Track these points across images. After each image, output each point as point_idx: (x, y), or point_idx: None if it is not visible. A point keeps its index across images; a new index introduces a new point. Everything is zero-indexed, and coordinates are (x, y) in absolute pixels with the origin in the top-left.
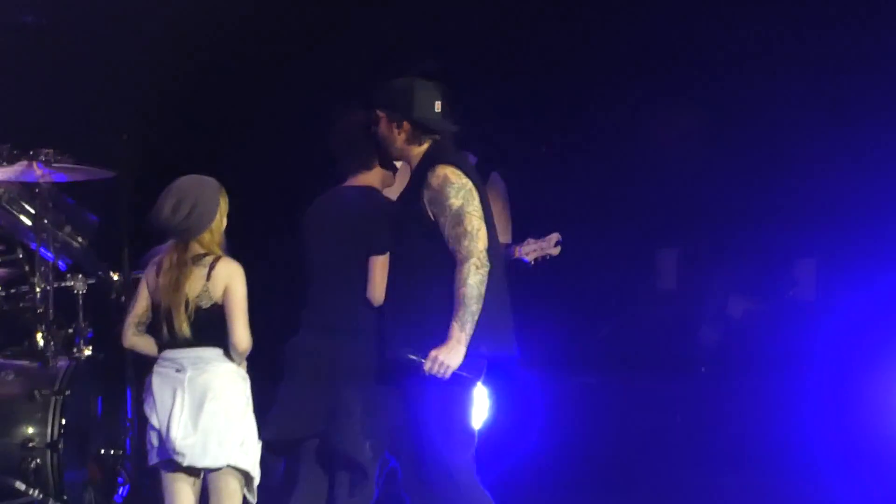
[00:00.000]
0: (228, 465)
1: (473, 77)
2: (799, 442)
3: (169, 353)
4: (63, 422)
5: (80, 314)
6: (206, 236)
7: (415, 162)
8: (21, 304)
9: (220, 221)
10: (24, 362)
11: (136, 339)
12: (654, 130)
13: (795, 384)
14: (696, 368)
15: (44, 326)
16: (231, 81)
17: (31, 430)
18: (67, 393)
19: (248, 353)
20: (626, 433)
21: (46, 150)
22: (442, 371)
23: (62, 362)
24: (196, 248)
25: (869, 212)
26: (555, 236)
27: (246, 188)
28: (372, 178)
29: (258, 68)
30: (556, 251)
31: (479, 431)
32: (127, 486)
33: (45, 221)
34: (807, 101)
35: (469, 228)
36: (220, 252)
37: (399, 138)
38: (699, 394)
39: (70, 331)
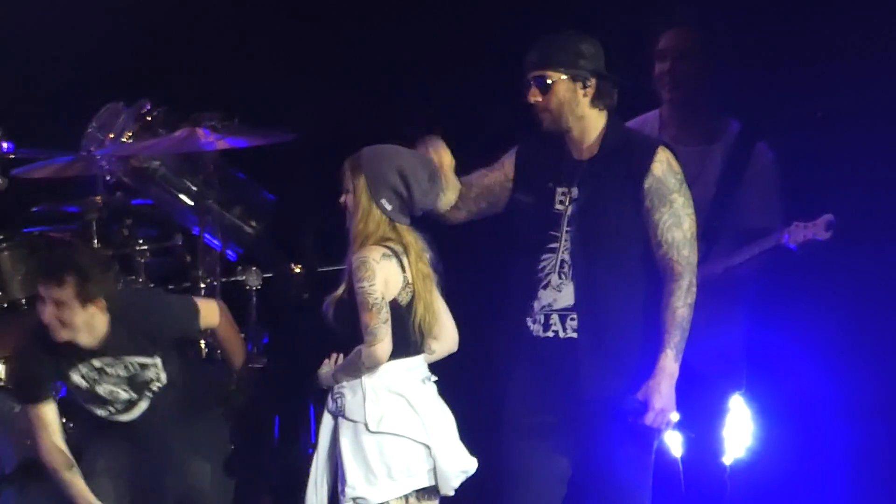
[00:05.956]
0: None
1: (734, 28)
2: None
3: (413, 362)
4: (231, 447)
5: (254, 315)
6: None
7: (591, 133)
8: None
9: None
10: None
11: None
12: None
13: None
14: None
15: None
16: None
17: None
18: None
19: None
20: None
21: (212, 114)
22: (665, 422)
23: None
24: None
25: None
26: (826, 218)
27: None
28: None
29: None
30: (826, 235)
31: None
32: None
33: (210, 201)
34: None
35: (689, 235)
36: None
37: (584, 102)
38: None
39: (241, 335)
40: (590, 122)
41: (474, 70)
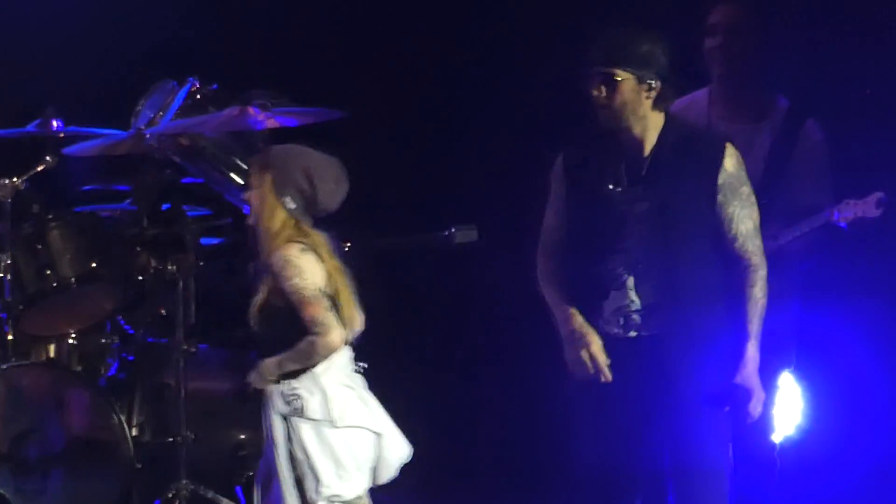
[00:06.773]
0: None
1: (782, 3)
2: None
3: (348, 351)
4: None
5: None
6: None
7: (652, 132)
8: (232, 281)
9: None
10: (235, 352)
11: None
12: None
13: None
14: None
15: None
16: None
17: (242, 436)
18: None
19: None
20: None
21: (262, 91)
22: (761, 410)
23: None
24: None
25: None
26: (876, 196)
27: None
28: None
29: None
30: (876, 213)
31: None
32: None
33: None
34: None
35: (757, 223)
36: None
37: (647, 103)
38: None
39: None
40: (650, 122)
41: (531, 48)
